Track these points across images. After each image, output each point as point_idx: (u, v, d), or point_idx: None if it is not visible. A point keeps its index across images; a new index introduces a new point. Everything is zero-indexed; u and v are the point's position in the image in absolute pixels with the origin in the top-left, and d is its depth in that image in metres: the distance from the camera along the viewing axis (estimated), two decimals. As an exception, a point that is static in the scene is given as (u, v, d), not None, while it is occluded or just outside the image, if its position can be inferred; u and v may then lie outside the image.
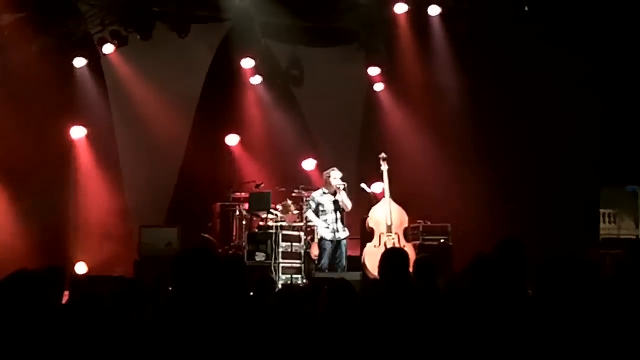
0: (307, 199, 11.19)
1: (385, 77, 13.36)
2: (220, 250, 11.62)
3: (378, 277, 5.02)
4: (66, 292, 5.07)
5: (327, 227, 10.63)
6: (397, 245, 10.60)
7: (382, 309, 4.12)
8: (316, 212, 10.79)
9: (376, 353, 3.70)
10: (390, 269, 4.80)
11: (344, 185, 10.67)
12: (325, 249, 10.62)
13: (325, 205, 10.77)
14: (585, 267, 3.64)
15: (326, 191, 10.81)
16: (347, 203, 10.70)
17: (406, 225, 11.04)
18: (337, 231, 10.65)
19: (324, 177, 10.93)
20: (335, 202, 10.73)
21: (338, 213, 10.71)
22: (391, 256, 4.96)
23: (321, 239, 10.69)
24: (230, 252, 11.84)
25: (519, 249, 4.19)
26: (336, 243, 10.64)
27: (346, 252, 10.74)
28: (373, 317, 3.94)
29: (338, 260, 10.61)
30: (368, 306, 4.27)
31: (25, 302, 3.54)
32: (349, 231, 11.02)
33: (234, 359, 3.31)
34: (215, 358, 3.25)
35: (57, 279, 4.50)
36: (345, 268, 10.63)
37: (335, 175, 10.70)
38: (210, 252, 3.66)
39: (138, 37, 12.05)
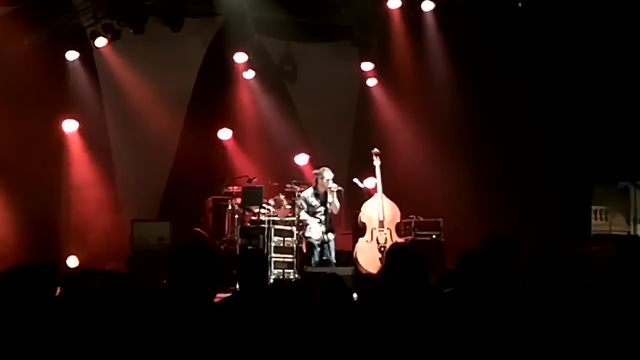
0: (298, 198, 11.23)
1: (378, 72, 13.37)
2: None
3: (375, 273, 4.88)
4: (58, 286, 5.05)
5: (319, 227, 10.73)
6: (389, 240, 10.65)
7: (374, 305, 4.13)
8: (307, 212, 10.88)
9: (368, 349, 3.71)
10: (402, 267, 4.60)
11: (338, 188, 10.74)
12: (315, 248, 10.72)
13: (315, 207, 10.86)
14: (575, 263, 3.65)
15: (316, 191, 10.89)
16: (336, 205, 10.77)
17: (398, 220, 11.07)
18: (326, 233, 10.75)
19: (315, 176, 10.98)
20: (325, 203, 10.80)
21: (327, 214, 10.81)
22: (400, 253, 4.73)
23: (309, 238, 10.78)
24: (222, 246, 11.85)
25: (506, 245, 4.19)
26: (325, 241, 10.76)
27: (335, 248, 10.83)
28: (365, 313, 3.95)
29: (326, 258, 10.73)
30: (360, 301, 4.27)
31: (17, 297, 3.54)
32: (342, 225, 11.10)
33: (225, 353, 3.31)
34: (207, 352, 3.26)
35: (49, 274, 4.48)
36: (335, 264, 10.71)
37: (327, 177, 10.77)
38: (209, 247, 3.66)
39: (131, 30, 12.03)
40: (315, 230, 10.75)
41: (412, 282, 4.36)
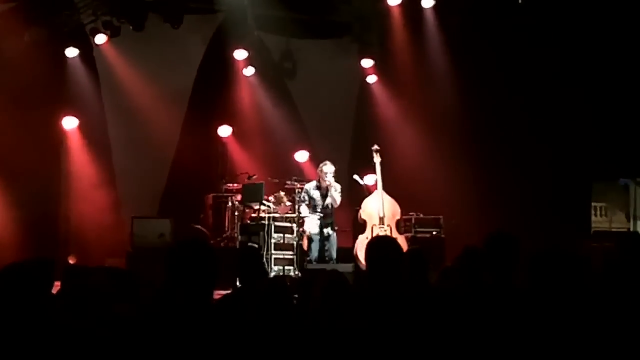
0: (300, 191, 11.21)
1: (378, 69, 13.36)
2: (212, 242, 11.62)
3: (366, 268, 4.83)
4: (58, 283, 5.05)
5: (318, 222, 10.71)
6: (389, 237, 10.63)
7: (374, 302, 4.12)
8: (308, 206, 10.87)
9: (368, 345, 3.71)
10: (380, 260, 4.59)
11: (329, 183, 10.70)
12: (314, 242, 10.70)
13: (316, 200, 10.84)
14: (576, 260, 3.65)
15: (319, 185, 10.86)
16: (336, 199, 10.75)
17: (399, 217, 11.05)
18: (325, 227, 10.73)
19: (318, 170, 10.98)
20: (326, 196, 10.79)
21: (328, 208, 10.79)
22: (379, 246, 4.73)
23: (309, 232, 10.78)
24: (222, 243, 11.85)
25: (510, 242, 4.19)
26: (325, 236, 10.72)
27: (336, 244, 10.81)
28: (365, 309, 3.95)
29: (327, 252, 10.70)
30: (360, 298, 4.27)
31: (13, 295, 3.53)
32: (342, 221, 11.08)
33: (224, 350, 3.31)
34: (205, 350, 3.26)
35: (45, 270, 4.47)
36: (335, 260, 10.70)
37: (325, 170, 10.75)
38: (205, 244, 3.65)
39: (131, 27, 12.02)
40: (313, 224, 10.74)
41: (391, 275, 4.30)
